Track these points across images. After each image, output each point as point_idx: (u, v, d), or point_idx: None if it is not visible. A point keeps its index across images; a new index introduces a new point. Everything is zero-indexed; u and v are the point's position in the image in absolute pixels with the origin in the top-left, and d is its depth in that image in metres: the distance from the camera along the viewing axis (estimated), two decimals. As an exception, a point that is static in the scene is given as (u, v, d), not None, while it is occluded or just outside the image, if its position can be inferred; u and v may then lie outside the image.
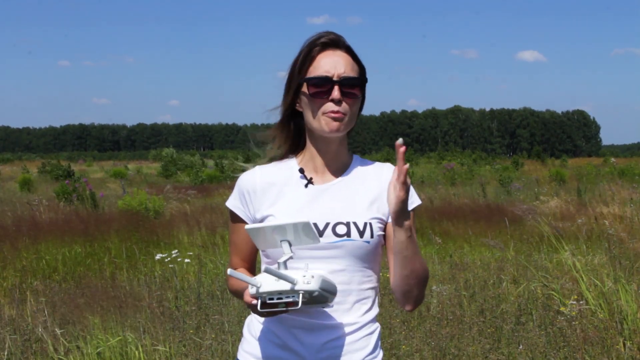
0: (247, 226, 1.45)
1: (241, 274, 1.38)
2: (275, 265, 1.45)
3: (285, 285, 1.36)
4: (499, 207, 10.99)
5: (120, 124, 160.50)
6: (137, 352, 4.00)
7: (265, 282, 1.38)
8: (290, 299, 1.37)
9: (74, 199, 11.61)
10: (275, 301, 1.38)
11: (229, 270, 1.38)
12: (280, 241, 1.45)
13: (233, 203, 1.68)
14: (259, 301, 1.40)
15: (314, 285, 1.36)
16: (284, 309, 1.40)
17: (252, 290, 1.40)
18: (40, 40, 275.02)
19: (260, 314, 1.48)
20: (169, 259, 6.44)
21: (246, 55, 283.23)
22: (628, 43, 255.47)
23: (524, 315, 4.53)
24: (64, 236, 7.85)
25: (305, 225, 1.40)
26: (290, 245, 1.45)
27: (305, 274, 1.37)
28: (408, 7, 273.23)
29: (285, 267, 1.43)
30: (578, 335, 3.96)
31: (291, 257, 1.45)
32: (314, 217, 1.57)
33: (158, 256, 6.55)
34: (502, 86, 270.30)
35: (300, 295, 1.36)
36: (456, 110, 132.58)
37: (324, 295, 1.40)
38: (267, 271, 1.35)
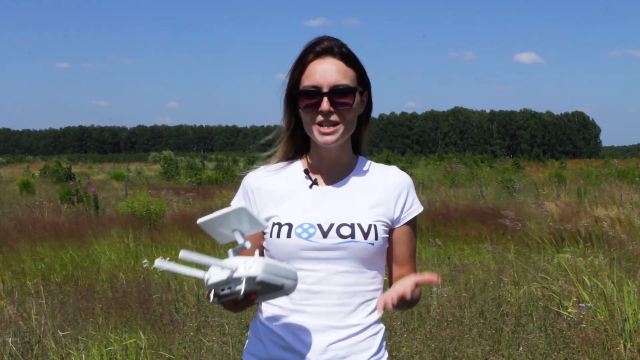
0: (198, 221, 1.43)
1: (175, 266, 1.33)
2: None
3: (225, 274, 1.32)
4: (499, 209, 10.98)
5: (120, 126, 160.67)
6: (139, 354, 4.00)
7: (214, 274, 1.35)
8: (238, 287, 1.33)
9: (75, 200, 11.61)
10: (226, 292, 1.34)
11: (157, 261, 1.32)
12: (232, 231, 1.42)
13: (237, 203, 1.69)
14: (212, 293, 1.37)
15: (255, 270, 1.32)
16: (242, 299, 1.35)
17: (205, 283, 1.38)
18: (38, 42, 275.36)
19: (226, 307, 1.45)
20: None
21: (244, 58, 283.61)
22: (624, 45, 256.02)
23: (524, 316, 4.53)
24: (65, 238, 7.85)
25: (242, 210, 1.38)
26: (242, 235, 1.42)
27: (247, 259, 1.33)
28: (405, 9, 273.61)
29: (234, 255, 1.39)
30: (578, 336, 3.96)
31: (244, 247, 1.41)
32: (318, 218, 1.57)
33: (144, 263, 6.53)
34: (501, 88, 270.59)
35: (244, 281, 1.32)
36: (456, 112, 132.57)
37: (272, 281, 1.36)
38: (185, 256, 1.28)
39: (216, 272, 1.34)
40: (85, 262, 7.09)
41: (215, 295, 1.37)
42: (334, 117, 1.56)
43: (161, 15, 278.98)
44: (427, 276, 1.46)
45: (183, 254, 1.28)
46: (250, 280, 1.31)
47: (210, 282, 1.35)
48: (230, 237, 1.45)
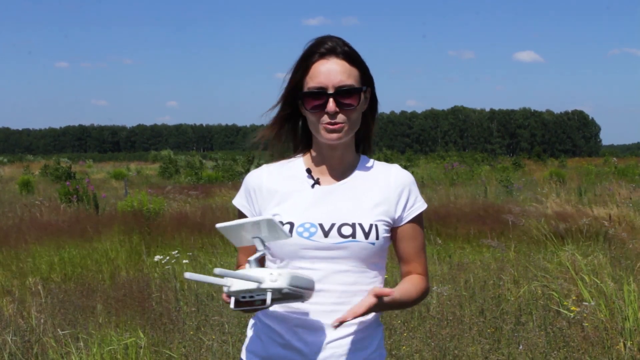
0: (217, 225, 1.45)
1: (198, 276, 1.35)
2: (247, 265, 1.45)
3: (251, 285, 1.36)
4: (499, 207, 10.98)
5: (120, 125, 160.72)
6: (139, 353, 4.00)
7: (236, 282, 1.38)
8: (261, 297, 1.38)
9: (75, 200, 11.60)
10: (248, 299, 1.39)
11: (186, 274, 1.32)
12: (252, 238, 1.45)
13: (239, 201, 1.70)
14: (232, 300, 1.40)
15: (281, 283, 1.36)
16: (260, 306, 1.39)
17: (225, 289, 1.41)
18: (38, 42, 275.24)
19: (244, 310, 1.48)
20: (165, 260, 6.43)
21: (243, 57, 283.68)
22: (624, 44, 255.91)
23: (524, 315, 4.53)
24: (65, 237, 7.85)
25: (269, 222, 1.40)
26: (262, 242, 1.45)
27: (273, 272, 1.37)
28: (404, 8, 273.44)
29: (257, 265, 1.43)
30: (578, 335, 3.96)
31: (263, 254, 1.45)
32: (320, 218, 1.58)
33: (156, 258, 6.54)
34: (500, 87, 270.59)
35: (269, 293, 1.36)
36: (456, 111, 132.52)
37: (295, 292, 1.40)
38: (221, 273, 1.33)
39: (239, 281, 1.37)
40: (86, 261, 7.08)
41: (235, 301, 1.40)
42: (340, 118, 1.57)
43: (160, 14, 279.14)
44: (382, 290, 1.47)
45: (218, 271, 1.32)
46: (275, 291, 1.36)
47: (233, 289, 1.38)
48: (249, 242, 1.47)
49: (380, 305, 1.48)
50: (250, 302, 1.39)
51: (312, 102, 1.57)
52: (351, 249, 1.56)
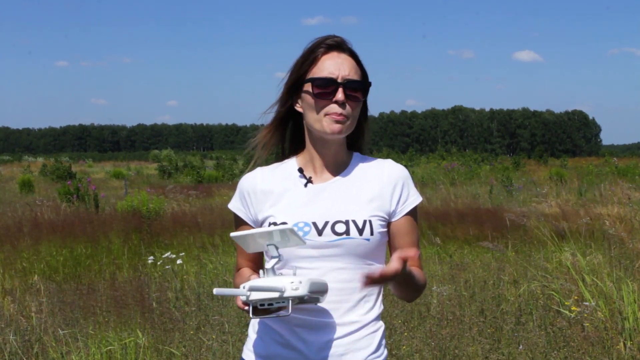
0: (232, 234, 1.47)
1: (226, 290, 1.38)
2: (262, 272, 1.46)
3: (273, 294, 1.38)
4: (499, 207, 10.99)
5: (120, 124, 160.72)
6: (138, 353, 4.00)
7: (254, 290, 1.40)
8: (281, 304, 1.39)
9: (75, 199, 11.60)
10: (266, 307, 1.41)
11: (215, 290, 1.37)
12: (267, 245, 1.46)
13: (235, 205, 1.71)
14: (250, 307, 1.42)
15: (302, 291, 1.38)
16: (276, 315, 1.42)
17: (243, 298, 1.42)
18: (38, 41, 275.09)
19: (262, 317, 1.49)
20: (161, 261, 6.42)
21: (243, 56, 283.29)
22: (623, 43, 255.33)
23: (524, 315, 4.53)
24: (65, 237, 7.85)
25: (290, 230, 1.41)
26: (277, 248, 1.46)
27: (293, 279, 1.38)
28: (404, 8, 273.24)
29: (274, 272, 1.44)
30: (579, 335, 3.96)
31: (279, 261, 1.46)
32: (313, 216, 1.58)
33: (150, 259, 6.52)
34: (500, 86, 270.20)
35: (290, 301, 1.38)
36: (456, 110, 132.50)
37: (313, 298, 1.43)
38: (253, 289, 1.36)
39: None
40: (86, 261, 7.09)
41: (253, 309, 1.42)
42: (347, 109, 1.58)
43: (160, 13, 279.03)
44: (406, 252, 1.43)
45: (252, 283, 1.38)
46: (296, 299, 1.38)
47: (253, 298, 1.39)
48: (264, 249, 1.49)
49: (402, 274, 1.42)
50: (269, 310, 1.41)
51: (319, 89, 1.58)
52: (346, 246, 1.56)
